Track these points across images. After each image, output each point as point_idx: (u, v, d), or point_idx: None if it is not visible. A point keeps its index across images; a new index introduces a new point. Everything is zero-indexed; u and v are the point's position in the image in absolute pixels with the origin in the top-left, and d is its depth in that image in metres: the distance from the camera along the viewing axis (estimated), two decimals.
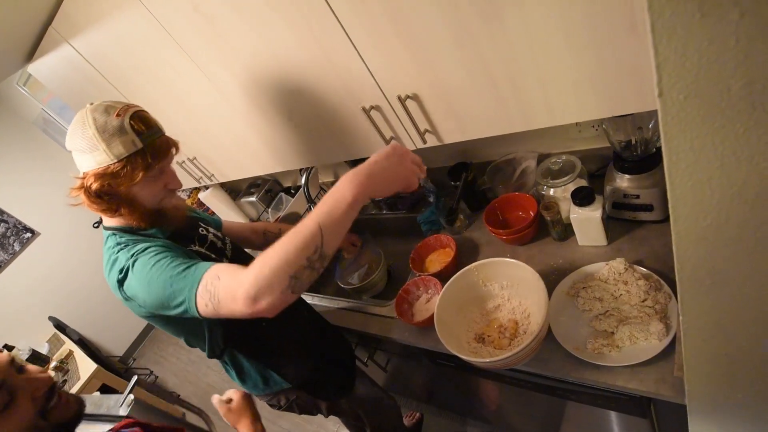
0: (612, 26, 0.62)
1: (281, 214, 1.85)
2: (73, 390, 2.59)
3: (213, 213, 2.10)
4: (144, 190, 0.90)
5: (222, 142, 1.46)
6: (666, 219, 1.01)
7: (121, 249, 0.89)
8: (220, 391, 1.07)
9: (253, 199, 2.11)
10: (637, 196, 1.01)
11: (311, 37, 0.89)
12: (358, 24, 0.82)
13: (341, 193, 0.73)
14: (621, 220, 1.08)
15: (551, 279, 1.06)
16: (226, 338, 1.06)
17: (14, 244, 3.25)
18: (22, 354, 2.85)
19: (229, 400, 1.03)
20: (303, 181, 1.74)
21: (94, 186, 0.86)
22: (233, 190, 2.34)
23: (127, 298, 0.88)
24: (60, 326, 3.25)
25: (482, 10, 0.69)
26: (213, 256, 1.05)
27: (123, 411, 1.36)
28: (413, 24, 0.76)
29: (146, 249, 0.86)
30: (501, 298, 1.08)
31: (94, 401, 1.43)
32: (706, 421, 0.73)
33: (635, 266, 0.96)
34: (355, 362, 1.39)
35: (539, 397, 1.18)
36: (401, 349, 1.50)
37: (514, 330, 1.01)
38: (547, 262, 1.13)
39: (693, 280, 0.45)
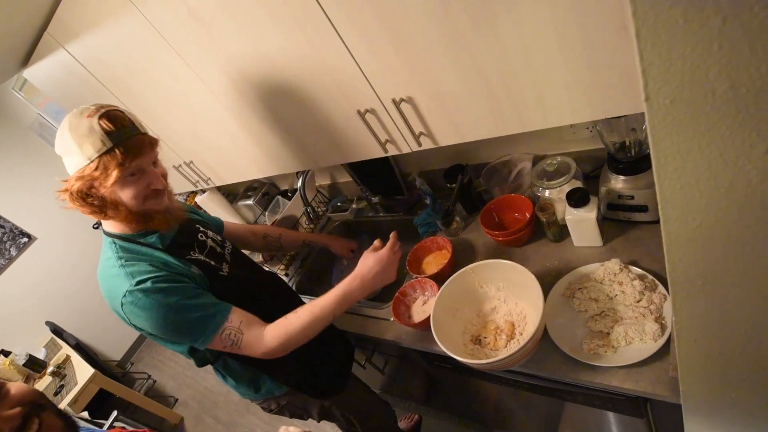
0: (603, 29, 0.62)
1: (278, 217, 1.85)
2: (70, 395, 2.58)
3: None
4: (125, 190, 0.89)
5: (218, 146, 1.46)
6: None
7: (122, 265, 0.91)
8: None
9: (250, 202, 2.11)
10: (632, 197, 1.02)
11: (306, 41, 0.89)
12: (352, 29, 0.82)
13: (355, 293, 1.03)
14: (616, 221, 1.09)
15: (547, 280, 1.06)
16: (219, 352, 1.05)
17: (11, 249, 3.24)
18: (18, 359, 2.84)
19: None
20: (299, 184, 1.75)
21: (75, 188, 0.87)
22: (230, 193, 2.34)
23: (122, 317, 0.91)
24: (57, 331, 3.24)
25: (474, 14, 0.69)
26: (212, 263, 1.05)
27: None
28: (406, 28, 0.77)
29: (149, 279, 0.88)
30: (497, 300, 1.08)
31: None
32: (701, 420, 0.73)
33: (630, 266, 0.96)
34: (351, 364, 1.38)
35: (537, 399, 1.18)
36: (399, 351, 1.50)
37: (511, 331, 1.01)
38: (543, 264, 1.13)
39: (684, 281, 0.46)
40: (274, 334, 0.98)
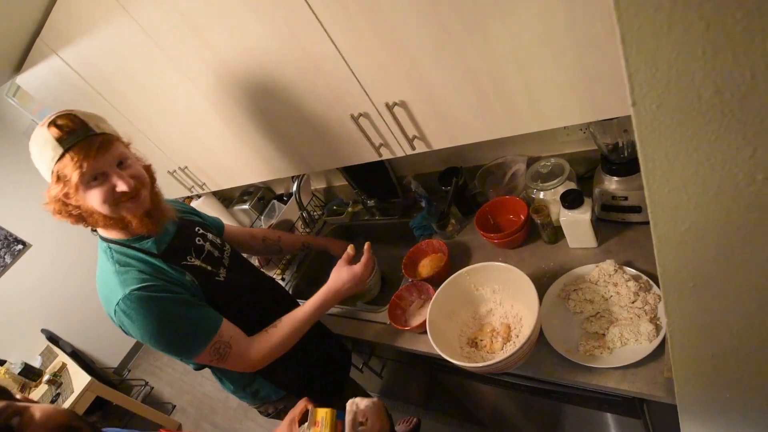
0: (592, 32, 0.62)
1: (274, 221, 1.85)
2: (67, 403, 2.55)
3: None
4: (91, 196, 0.86)
5: (213, 151, 1.45)
6: None
7: (116, 272, 0.90)
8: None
9: (245, 206, 2.10)
10: (626, 198, 1.02)
11: (298, 45, 0.89)
12: (343, 34, 0.82)
13: (330, 304, 1.10)
14: (610, 222, 1.09)
15: (542, 282, 1.07)
16: None
17: (5, 257, 3.22)
18: (14, 368, 2.82)
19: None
20: (295, 188, 1.75)
21: (48, 198, 0.87)
22: (226, 198, 2.34)
23: (116, 324, 0.91)
24: (53, 338, 3.22)
25: (465, 19, 0.69)
26: (209, 268, 1.04)
27: None
28: (397, 33, 0.77)
29: (140, 287, 0.88)
30: (493, 302, 1.09)
31: None
32: (696, 420, 0.73)
33: (625, 267, 0.96)
34: (349, 368, 1.38)
35: (535, 400, 1.18)
36: (396, 355, 1.50)
37: (507, 334, 1.01)
38: (538, 265, 1.13)
39: (676, 283, 0.46)
40: (257, 348, 1.01)
